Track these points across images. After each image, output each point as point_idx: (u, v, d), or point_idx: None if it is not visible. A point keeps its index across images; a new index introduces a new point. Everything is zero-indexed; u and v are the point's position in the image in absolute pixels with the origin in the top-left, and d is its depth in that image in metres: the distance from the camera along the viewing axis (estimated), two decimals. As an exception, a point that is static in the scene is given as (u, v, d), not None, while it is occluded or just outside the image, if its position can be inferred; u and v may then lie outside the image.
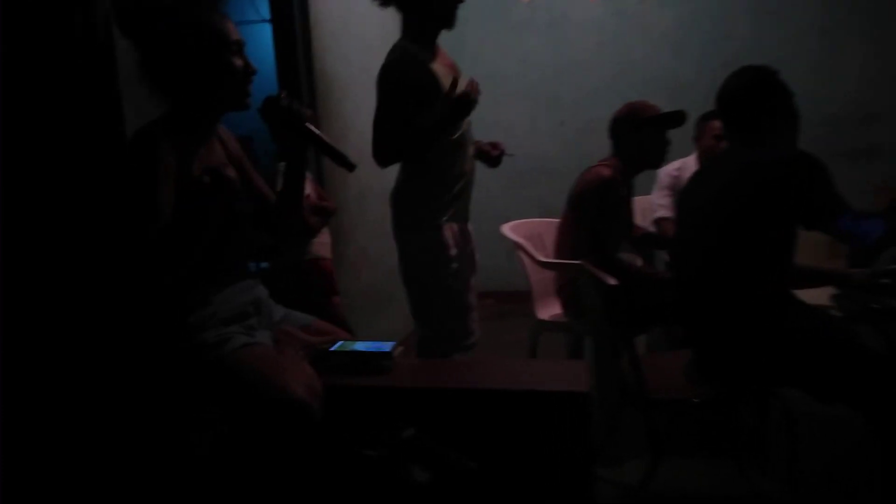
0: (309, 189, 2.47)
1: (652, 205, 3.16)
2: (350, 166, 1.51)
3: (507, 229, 2.75)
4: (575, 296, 2.45)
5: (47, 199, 1.46)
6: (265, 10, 3.91)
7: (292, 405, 1.25)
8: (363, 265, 3.12)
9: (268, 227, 1.68)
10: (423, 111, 2.07)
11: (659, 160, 2.56)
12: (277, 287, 2.05)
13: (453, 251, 2.18)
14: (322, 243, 2.54)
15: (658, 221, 3.11)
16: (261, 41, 4.25)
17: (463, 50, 4.21)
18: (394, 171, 2.27)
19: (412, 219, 2.22)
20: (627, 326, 1.95)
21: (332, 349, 1.59)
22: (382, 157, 2.13)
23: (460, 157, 2.21)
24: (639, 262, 2.76)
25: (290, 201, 1.61)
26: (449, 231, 2.18)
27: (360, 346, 1.61)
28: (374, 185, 3.25)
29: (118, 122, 1.56)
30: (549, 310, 2.74)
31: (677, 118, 2.47)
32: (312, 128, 1.49)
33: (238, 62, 1.41)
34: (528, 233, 2.84)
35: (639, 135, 2.49)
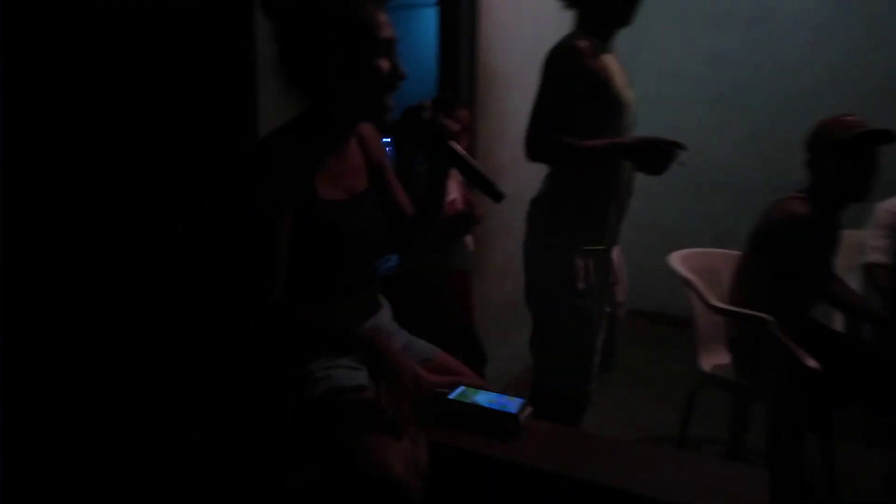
0: (455, 193, 2.26)
1: (864, 245, 2.59)
2: (497, 196, 1.28)
3: (677, 261, 2.37)
4: (751, 352, 2.03)
5: (159, 192, 1.38)
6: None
7: (388, 483, 1.05)
8: (508, 274, 2.89)
9: (396, 242, 1.50)
10: (588, 105, 1.84)
11: (862, 192, 2.01)
12: (405, 298, 1.89)
13: (581, 285, 1.92)
14: (462, 254, 2.32)
15: (869, 267, 2.54)
16: (427, 26, 4.13)
17: (643, 46, 3.79)
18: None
19: (544, 237, 2.00)
20: (819, 404, 1.54)
21: (451, 397, 1.37)
22: (533, 149, 1.90)
23: (616, 173, 1.92)
24: (838, 321, 2.25)
25: (424, 222, 1.42)
26: (583, 260, 1.93)
27: (483, 398, 1.37)
28: (529, 187, 2.98)
29: (251, 115, 1.44)
30: (715, 357, 2.33)
31: (881, 138, 1.93)
32: (457, 147, 1.27)
33: (384, 64, 1.21)
34: (701, 265, 2.43)
35: (834, 159, 1.99)
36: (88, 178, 1.23)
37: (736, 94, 3.88)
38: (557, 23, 3.06)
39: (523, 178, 2.92)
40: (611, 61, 1.89)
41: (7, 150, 1.08)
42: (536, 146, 1.89)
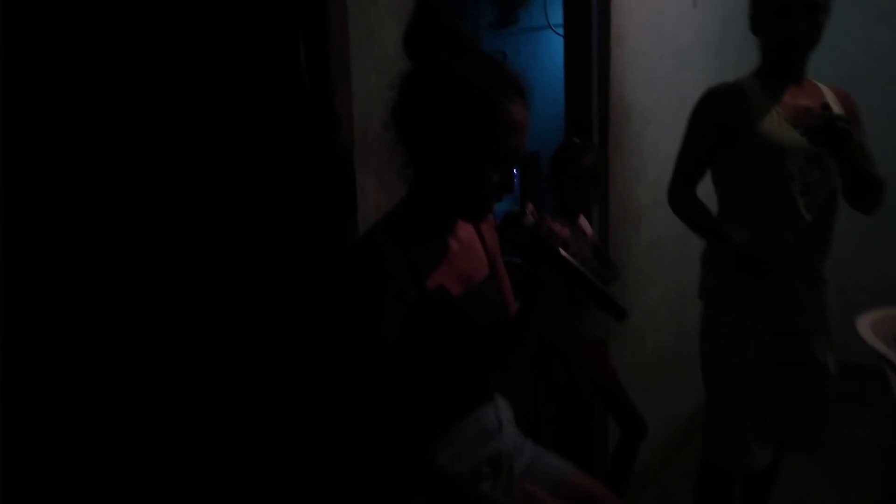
0: (586, 249, 2.00)
1: None
2: (620, 313, 1.05)
3: (867, 327, 1.91)
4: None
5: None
6: (556, 15, 3.52)
7: None
8: (649, 329, 2.56)
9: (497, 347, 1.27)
10: (728, 154, 1.70)
11: None
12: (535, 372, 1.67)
13: (750, 338, 1.73)
14: (596, 319, 2.03)
15: None
16: (550, 50, 3.85)
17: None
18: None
19: (713, 280, 1.83)
20: None
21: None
22: (671, 200, 1.81)
23: (792, 221, 1.67)
24: None
25: (519, 336, 1.19)
26: (751, 321, 1.73)
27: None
28: (671, 230, 2.64)
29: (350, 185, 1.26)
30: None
31: None
32: (568, 256, 1.05)
33: (496, 178, 1.03)
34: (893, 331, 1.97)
35: None
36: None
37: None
38: (703, 47, 2.70)
39: (665, 222, 2.59)
40: (777, 110, 1.66)
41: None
42: (670, 200, 1.81)
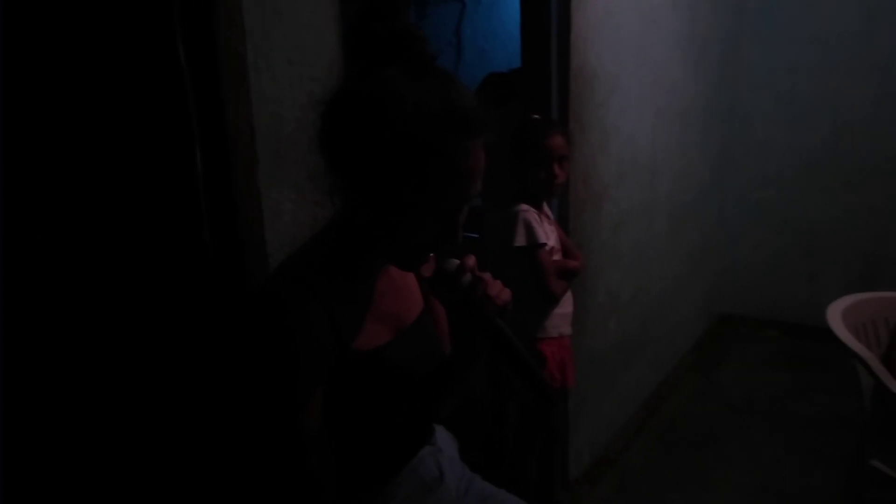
0: (552, 241, 1.82)
1: None
2: (548, 400, 0.90)
3: (837, 317, 1.81)
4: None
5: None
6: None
7: None
8: (611, 313, 2.43)
9: None
10: None
11: None
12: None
13: None
14: (562, 315, 1.87)
15: None
16: (502, 15, 3.56)
17: (779, 8, 3.10)
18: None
19: None
20: None
21: None
22: None
23: None
24: None
25: (457, 378, 1.01)
26: None
27: None
28: (635, 205, 2.50)
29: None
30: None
31: None
32: (506, 328, 0.87)
33: (435, 227, 0.86)
34: (867, 318, 1.88)
35: None
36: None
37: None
38: (674, 5, 2.48)
39: (630, 197, 2.43)
40: None
41: None
42: None
